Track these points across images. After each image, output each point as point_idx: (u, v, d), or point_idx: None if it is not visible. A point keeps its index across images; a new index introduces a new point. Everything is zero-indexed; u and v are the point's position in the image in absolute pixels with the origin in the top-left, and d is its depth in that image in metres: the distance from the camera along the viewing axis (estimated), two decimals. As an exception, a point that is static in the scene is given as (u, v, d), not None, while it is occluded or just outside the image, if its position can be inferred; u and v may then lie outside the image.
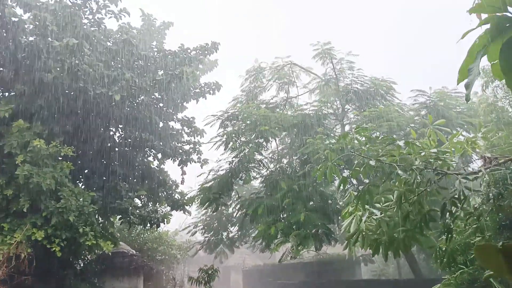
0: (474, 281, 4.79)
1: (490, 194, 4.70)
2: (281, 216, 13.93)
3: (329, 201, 14.35)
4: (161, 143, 14.18)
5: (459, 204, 4.82)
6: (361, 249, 5.93)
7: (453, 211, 4.88)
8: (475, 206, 5.07)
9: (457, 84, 2.48)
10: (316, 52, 16.06)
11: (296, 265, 20.59)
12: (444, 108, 12.71)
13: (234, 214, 18.90)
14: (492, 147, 6.16)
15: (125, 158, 13.65)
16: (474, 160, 8.37)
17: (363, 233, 5.29)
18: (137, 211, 12.78)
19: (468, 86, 2.37)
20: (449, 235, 4.95)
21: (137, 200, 13.64)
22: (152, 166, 14.57)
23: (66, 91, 11.69)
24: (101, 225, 12.44)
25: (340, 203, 14.00)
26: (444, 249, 5.25)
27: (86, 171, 13.40)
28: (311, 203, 13.55)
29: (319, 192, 13.89)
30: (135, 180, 14.14)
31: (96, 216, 11.72)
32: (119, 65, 12.51)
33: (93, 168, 13.18)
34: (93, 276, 14.00)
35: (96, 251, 12.26)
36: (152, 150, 14.50)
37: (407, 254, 13.54)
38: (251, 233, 18.15)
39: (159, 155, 14.65)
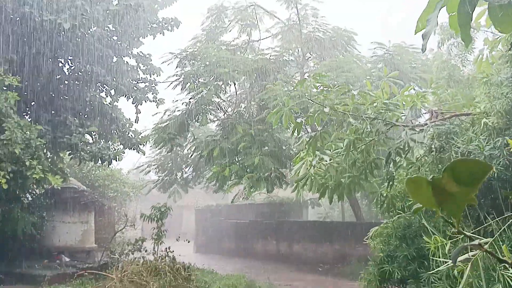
0: (409, 226, 5.18)
1: (433, 146, 4.97)
2: (236, 159, 14.15)
3: (284, 147, 14.69)
4: (114, 79, 13.58)
5: (403, 154, 5.09)
6: (309, 192, 6.19)
7: (397, 161, 5.15)
8: (418, 157, 5.38)
9: (415, 34, 2.51)
10: (281, -4, 15.60)
11: (247, 206, 21.33)
12: (400, 62, 12.99)
13: (189, 156, 18.94)
14: (440, 102, 6.44)
15: (75, 92, 13.03)
16: (423, 114, 8.76)
17: (312, 177, 5.50)
18: (88, 147, 12.44)
19: (425, 36, 2.39)
20: (391, 183, 5.26)
21: (87, 136, 13.24)
22: (105, 103, 14.04)
23: (10, 16, 10.73)
24: (49, 159, 12.07)
25: (294, 149, 14.37)
26: (385, 195, 5.59)
27: (33, 103, 12.71)
28: (266, 148, 13.80)
29: (274, 137, 14.14)
30: (86, 116, 13.65)
31: (44, 151, 11.32)
32: (69, -10, 11.51)
33: (41, 101, 12.51)
34: (41, 210, 13.81)
35: (44, 185, 12.00)
36: (104, 85, 13.89)
37: (351, 199, 14.35)
38: (205, 174, 18.36)
39: (112, 92, 14.09)
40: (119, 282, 8.58)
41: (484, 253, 2.88)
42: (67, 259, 13.94)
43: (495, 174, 3.98)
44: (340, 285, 11.55)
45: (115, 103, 14.36)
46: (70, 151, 12.61)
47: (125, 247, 11.67)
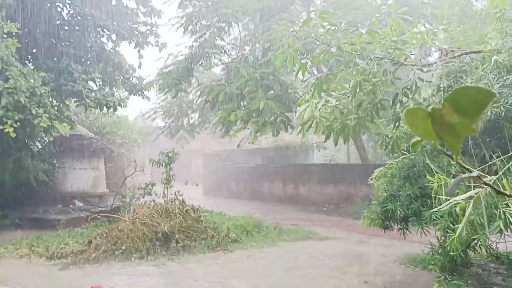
0: (413, 166, 5.21)
1: (441, 86, 4.87)
2: (241, 104, 14.08)
3: (289, 91, 14.53)
4: (114, 23, 13.20)
5: (410, 95, 4.99)
6: (314, 135, 6.18)
7: (404, 101, 5.07)
8: (425, 97, 5.28)
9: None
10: None
11: (253, 150, 21.57)
12: (411, -2, 12.39)
13: (195, 101, 18.86)
14: (451, 40, 6.21)
15: (76, 38, 12.73)
16: (433, 53, 8.50)
17: (317, 120, 5.46)
18: (92, 94, 12.39)
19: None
20: (397, 123, 5.22)
21: (91, 83, 13.15)
22: (107, 48, 13.77)
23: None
24: (55, 107, 12.10)
25: (300, 92, 14.21)
26: (390, 136, 5.58)
27: (34, 50, 12.49)
28: (271, 91, 13.65)
29: (279, 81, 13.94)
30: (88, 62, 13.44)
31: (50, 99, 11.31)
32: None
33: (42, 48, 12.27)
34: (51, 157, 14.08)
35: (52, 133, 12.13)
36: (105, 30, 13.54)
37: (356, 141, 14.40)
38: (211, 119, 18.39)
39: (113, 37, 13.77)
40: (132, 224, 8.93)
41: (487, 190, 2.90)
42: (81, 204, 14.43)
43: (503, 113, 3.92)
44: (343, 224, 11.93)
45: (117, 49, 14.09)
46: (75, 99, 12.59)
47: (135, 191, 11.98)
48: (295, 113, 15.70)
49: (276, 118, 13.60)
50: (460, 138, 0.54)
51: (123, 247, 8.30)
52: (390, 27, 5.10)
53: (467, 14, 8.12)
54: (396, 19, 5.10)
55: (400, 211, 4.90)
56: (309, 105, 5.64)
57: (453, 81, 4.67)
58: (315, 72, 13.96)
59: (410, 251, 7.56)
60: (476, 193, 2.08)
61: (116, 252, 8.24)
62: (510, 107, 3.97)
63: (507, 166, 3.01)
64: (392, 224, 5.31)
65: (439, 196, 3.40)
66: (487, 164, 3.53)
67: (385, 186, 5.27)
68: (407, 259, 7.19)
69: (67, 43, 12.68)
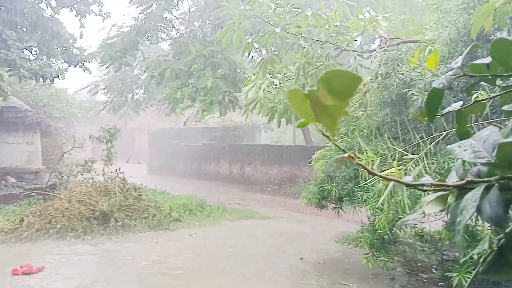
0: (350, 148, 5.40)
1: (379, 72, 5.04)
2: (189, 81, 13.79)
3: (238, 70, 14.42)
4: (53, -13, 12.31)
5: (350, 80, 5.14)
6: (258, 115, 6.22)
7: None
8: (364, 83, 5.46)
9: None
10: None
11: (200, 129, 21.37)
12: (359, -15, 12.64)
13: (140, 76, 18.20)
14: (392, 29, 6.43)
15: (11, 2, 11.72)
16: (374, 39, 8.77)
17: (261, 101, 5.48)
18: (28, 64, 11.55)
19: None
20: (337, 108, 5.38)
21: (27, 52, 12.25)
22: (45, 15, 12.84)
23: None
24: (-15, 76, 11.18)
25: (248, 72, 14.16)
26: (331, 119, 5.73)
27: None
28: (220, 70, 13.48)
29: (229, 60, 13.79)
30: (24, 29, 12.47)
31: (-22, 66, 10.42)
32: None
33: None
34: (-20, 130, 13.07)
35: (-19, 104, 11.22)
36: (43, -5, 12.61)
37: (302, 124, 14.69)
38: (157, 96, 17.87)
39: (53, 3, 12.86)
40: (67, 202, 8.57)
41: (402, 172, 3.04)
42: (13, 180, 13.60)
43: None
44: (285, 204, 12.24)
45: (56, 16, 13.18)
46: (8, 68, 11.67)
47: (73, 168, 11.47)
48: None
49: (224, 98, 13.51)
50: (336, 120, 0.55)
51: (58, 226, 7.97)
52: (335, 12, 5.19)
53: (408, 4, 8.42)
54: (340, 4, 5.18)
55: (335, 191, 5.10)
56: (254, 86, 5.64)
57: (391, 69, 4.86)
58: (265, 53, 13.97)
59: (345, 229, 7.94)
60: (390, 173, 2.20)
61: (50, 231, 7.90)
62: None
63: (428, 147, 3.21)
64: (328, 203, 5.52)
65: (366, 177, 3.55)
66: (411, 144, 3.74)
67: (323, 167, 5.44)
68: (341, 237, 7.54)
69: (1, 7, 11.66)
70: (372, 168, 3.25)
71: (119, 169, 9.97)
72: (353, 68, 5.10)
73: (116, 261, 6.18)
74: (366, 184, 3.60)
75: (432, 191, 0.72)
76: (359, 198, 4.51)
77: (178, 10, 14.74)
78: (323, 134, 0.57)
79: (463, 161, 0.73)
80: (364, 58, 4.99)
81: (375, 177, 3.26)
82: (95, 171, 10.44)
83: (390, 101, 5.33)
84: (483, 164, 0.65)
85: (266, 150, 16.68)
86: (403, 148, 3.86)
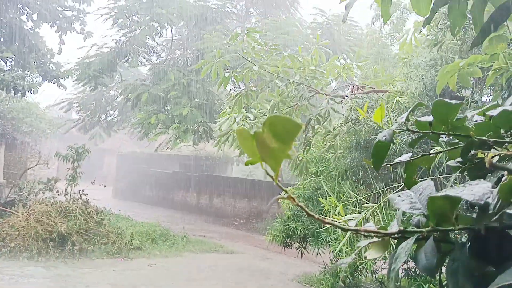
0: (317, 189, 5.49)
1: (349, 118, 5.22)
2: (165, 108, 13.78)
3: (215, 101, 14.56)
4: (37, 2, 12.29)
5: (322, 122, 5.29)
6: (230, 148, 6.25)
7: (315, 127, 5.36)
8: (335, 126, 5.63)
9: (340, 3, 2.53)
10: None
11: (172, 157, 21.15)
12: (337, 33, 13.23)
13: (115, 98, 18.06)
14: (365, 77, 6.73)
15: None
16: (347, 86, 9.11)
17: (234, 134, 5.54)
18: (1, 74, 11.30)
19: (347, 7, 2.43)
20: (308, 148, 5.49)
21: (1, 62, 12.02)
22: (25, 28, 12.74)
23: None
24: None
25: (225, 104, 14.31)
26: (301, 159, 5.83)
27: None
28: (197, 99, 13.57)
29: (206, 90, 13.92)
30: (1, 39, 12.30)
31: None
32: None
33: None
34: None
35: None
36: (26, 8, 12.54)
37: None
38: (131, 119, 17.69)
39: (35, 16, 12.79)
40: (25, 221, 8.21)
41: (366, 215, 3.10)
42: (-32, 193, 12.92)
43: (397, 149, 4.32)
44: (251, 239, 12.11)
45: (37, 30, 13.08)
46: (-21, 76, 11.37)
47: (35, 185, 11.06)
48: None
49: (198, 127, 13.52)
50: (279, 162, 0.59)
51: (12, 245, 7.60)
52: (311, 56, 5.40)
53: (382, 55, 8.88)
54: (317, 49, 5.40)
55: (300, 230, 5.12)
56: (228, 118, 5.70)
57: (360, 115, 5.04)
58: (242, 87, 14.21)
59: (308, 270, 7.89)
60: (354, 218, 2.26)
61: (3, 249, 7.52)
62: (404, 145, 4.38)
63: (387, 196, 3.31)
64: (293, 242, 5.52)
65: (328, 218, 3.59)
66: (373, 193, 3.84)
67: (290, 206, 5.48)
68: (303, 278, 7.49)
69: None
70: (335, 213, 3.32)
71: (83, 191, 9.69)
72: (326, 110, 5.27)
73: (68, 287, 5.90)
74: (329, 226, 3.65)
75: (372, 237, 0.76)
76: (323, 239, 4.54)
77: (160, 37, 14.93)
78: (267, 173, 0.61)
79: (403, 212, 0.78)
80: (336, 102, 5.17)
81: (334, 219, 3.33)
82: (57, 191, 10.10)
83: (358, 146, 5.50)
84: (417, 215, 0.70)
85: (237, 183, 16.62)
86: (366, 195, 3.95)
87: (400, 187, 3.66)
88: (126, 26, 12.77)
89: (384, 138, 0.91)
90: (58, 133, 19.32)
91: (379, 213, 3.26)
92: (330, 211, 3.33)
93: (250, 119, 5.69)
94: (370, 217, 3.17)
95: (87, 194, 9.68)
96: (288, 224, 5.27)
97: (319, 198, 3.99)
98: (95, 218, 8.97)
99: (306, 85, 5.19)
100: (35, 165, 11.95)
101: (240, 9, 15.67)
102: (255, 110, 5.86)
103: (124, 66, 15.07)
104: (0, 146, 14.92)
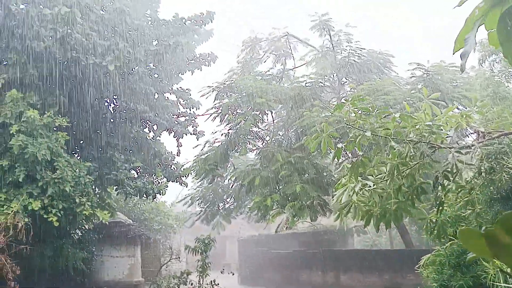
0: (463, 253, 4.90)
1: (482, 168, 4.75)
2: (277, 188, 14.08)
3: (324, 173, 14.48)
4: (156, 114, 14.13)
5: (451, 178, 4.87)
6: (353, 220, 6.02)
7: (445, 184, 4.93)
8: (467, 179, 5.13)
9: (453, 54, 2.46)
10: (314, 24, 15.84)
11: (290, 235, 20.98)
12: (440, 82, 12.62)
13: (230, 186, 19.06)
14: (486, 121, 6.17)
15: (120, 129, 13.63)
16: (468, 134, 8.40)
17: (355, 204, 5.36)
18: (133, 182, 12.85)
19: (463, 56, 2.34)
20: (440, 208, 5.03)
21: (133, 171, 13.72)
22: (148, 138, 14.59)
23: (59, 61, 11.52)
24: (98, 195, 12.55)
25: (335, 175, 14.12)
26: (435, 221, 5.34)
27: (81, 142, 13.39)
28: (307, 175, 13.66)
29: (314, 164, 13.99)
30: (130, 152, 14.18)
31: (93, 187, 11.81)
32: (112, 35, 12.28)
33: (88, 139, 13.17)
34: (90, 245, 14.24)
35: (93, 220, 12.43)
36: (147, 121, 14.47)
37: (398, 226, 13.80)
38: (247, 204, 18.34)
39: (155, 127, 14.64)
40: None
41: None
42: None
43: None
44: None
45: (158, 138, 14.86)
46: (116, 186, 13.06)
47: (171, 280, 11.75)
48: (332, 196, 15.50)
49: (313, 202, 13.42)
50: None
51: None
52: (423, 111, 5.17)
53: (500, 95, 8.14)
54: (427, 103, 5.18)
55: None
56: (346, 189, 5.58)
57: (494, 163, 4.55)
58: (349, 155, 14.00)
59: None
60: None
61: None
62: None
63: None
64: (447, 318, 4.85)
65: (497, 284, 3.14)
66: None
67: (435, 275, 4.93)
68: None
69: (112, 134, 13.55)
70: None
71: (214, 281, 9.99)
72: (452, 165, 4.87)
73: None
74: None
75: None
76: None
77: (263, 123, 15.81)
78: (502, 271, 0.56)
79: None
80: (462, 153, 4.77)
81: (508, 284, 2.86)
82: (191, 283, 10.56)
83: (500, 197, 4.89)
84: None
85: (362, 255, 15.65)
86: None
87: None
88: (232, 120, 13.86)
89: None
90: (184, 227, 20.72)
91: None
92: (498, 275, 2.90)
93: (370, 186, 5.49)
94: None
95: (218, 284, 9.95)
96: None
97: (478, 263, 3.52)
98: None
99: (424, 142, 4.92)
100: (169, 261, 12.80)
101: (333, 81, 16.06)
102: (372, 176, 5.66)
103: (235, 155, 16.06)
104: (137, 246, 16.39)
